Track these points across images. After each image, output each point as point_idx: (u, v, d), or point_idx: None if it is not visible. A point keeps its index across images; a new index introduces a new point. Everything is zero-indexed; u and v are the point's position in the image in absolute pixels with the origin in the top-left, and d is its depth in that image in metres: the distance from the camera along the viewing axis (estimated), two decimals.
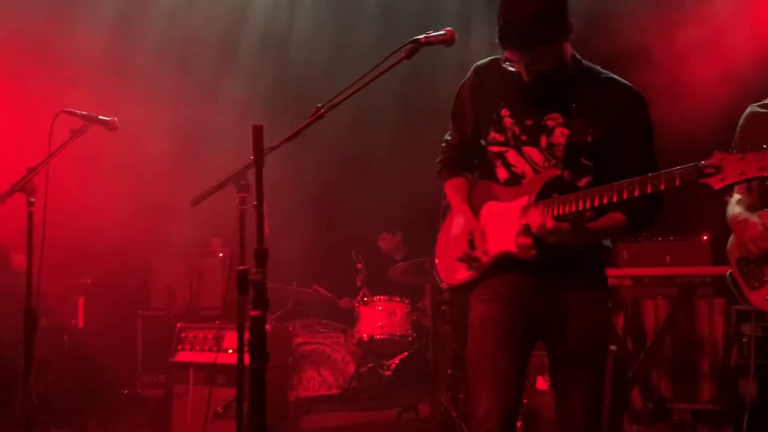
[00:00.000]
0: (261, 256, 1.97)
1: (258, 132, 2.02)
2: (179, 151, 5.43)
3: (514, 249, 2.36)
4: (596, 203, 2.16)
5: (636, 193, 2.08)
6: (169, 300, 5.73)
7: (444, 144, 2.71)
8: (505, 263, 2.40)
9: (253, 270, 1.97)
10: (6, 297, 4.71)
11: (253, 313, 1.93)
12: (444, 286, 2.66)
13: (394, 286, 5.10)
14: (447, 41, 2.41)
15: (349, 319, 5.27)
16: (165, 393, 5.25)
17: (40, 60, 4.87)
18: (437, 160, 2.73)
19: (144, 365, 5.53)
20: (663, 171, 2.06)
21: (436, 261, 2.68)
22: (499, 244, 2.41)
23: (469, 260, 2.45)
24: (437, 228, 4.81)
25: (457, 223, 2.51)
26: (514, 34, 2.26)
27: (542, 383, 4.11)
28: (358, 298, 4.86)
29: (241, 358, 2.41)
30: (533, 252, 2.32)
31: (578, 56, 2.44)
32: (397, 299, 4.82)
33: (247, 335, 2.01)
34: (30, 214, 2.86)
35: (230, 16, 5.95)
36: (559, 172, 2.35)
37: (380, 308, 4.74)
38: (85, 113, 3.08)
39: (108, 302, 5.32)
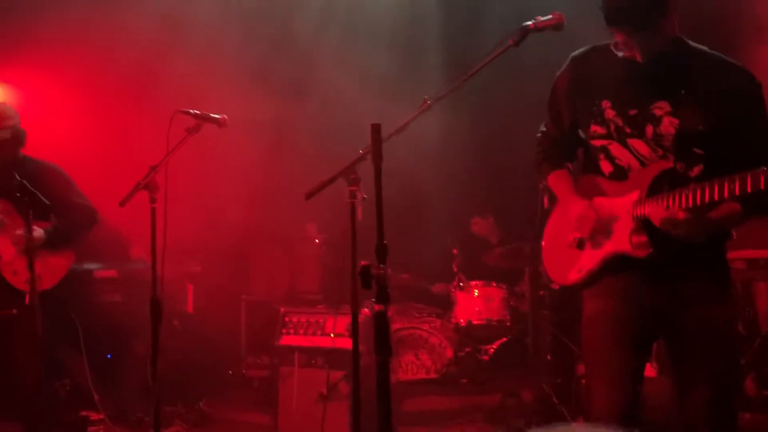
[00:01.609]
0: (381, 251, 2.02)
1: (376, 130, 2.06)
2: (274, 145, 5.60)
3: (628, 248, 2.29)
4: (725, 194, 2.05)
5: (762, 185, 1.97)
6: (270, 284, 5.96)
7: (540, 135, 2.66)
8: (618, 262, 2.34)
9: (376, 265, 2.02)
10: (123, 286, 5.06)
11: (376, 307, 1.99)
12: (556, 287, 2.64)
13: (489, 270, 5.08)
14: (556, 25, 2.36)
15: (442, 304, 5.30)
16: (268, 373, 5.48)
17: (156, 63, 5.15)
18: (535, 151, 2.68)
19: (248, 347, 5.78)
20: None
21: (545, 262, 2.64)
22: (612, 243, 2.35)
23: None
24: (531, 209, 4.70)
25: (575, 210, 2.44)
26: (627, 12, 2.19)
27: (650, 370, 4.01)
28: (454, 283, 4.87)
29: (355, 345, 2.49)
30: (649, 250, 2.26)
31: (683, 37, 2.33)
32: (494, 284, 4.80)
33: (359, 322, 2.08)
34: (153, 210, 3.02)
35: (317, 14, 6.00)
36: (671, 164, 2.27)
37: (477, 293, 4.74)
38: (198, 112, 3.22)
39: (214, 288, 5.59)
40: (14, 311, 3.20)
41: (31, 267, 3.16)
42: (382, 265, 1.99)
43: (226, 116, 3.32)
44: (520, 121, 5.17)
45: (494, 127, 5.59)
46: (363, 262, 2.02)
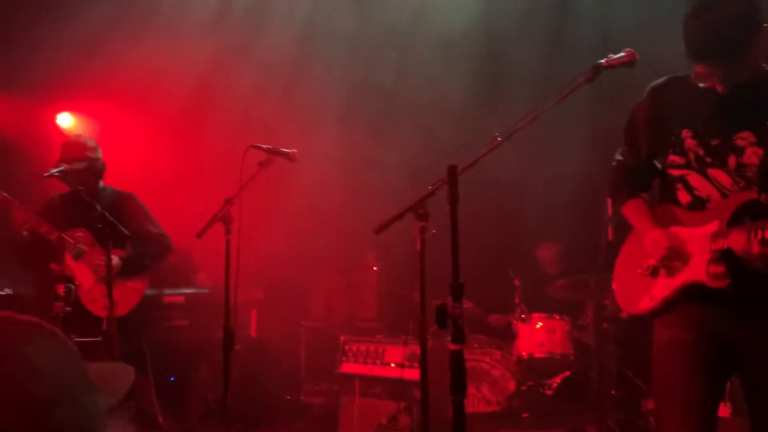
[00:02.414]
0: (457, 290, 2.04)
1: (452, 172, 2.09)
2: (332, 178, 5.75)
3: (704, 278, 2.26)
4: None
5: None
6: (328, 311, 6.03)
7: (615, 164, 2.64)
8: (692, 292, 2.31)
9: (451, 304, 2.03)
10: (190, 311, 5.20)
11: (452, 347, 2.00)
12: (624, 315, 2.61)
13: (551, 302, 5.01)
14: (628, 63, 2.37)
15: (499, 335, 5.24)
16: (326, 401, 5.52)
17: (225, 100, 5.37)
18: (609, 180, 2.67)
19: (306, 373, 5.84)
20: None
21: (615, 288, 2.61)
22: (687, 272, 2.32)
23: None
24: (596, 242, 4.63)
25: (650, 238, 2.42)
26: (711, 46, 2.18)
27: (724, 409, 3.87)
28: (516, 314, 4.82)
29: (424, 376, 2.49)
30: (727, 281, 2.22)
31: (766, 67, 2.31)
32: (557, 317, 4.72)
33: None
34: (227, 242, 3.12)
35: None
36: (754, 195, 2.24)
37: (539, 326, 4.68)
38: (270, 147, 3.33)
39: (276, 314, 5.69)
40: (99, 338, 3.34)
41: (109, 295, 3.29)
42: (458, 304, 2.01)
43: (295, 150, 3.42)
44: (589, 151, 5.17)
45: (560, 159, 5.55)
46: (439, 302, 2.03)
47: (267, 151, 3.31)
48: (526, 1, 5.56)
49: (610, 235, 4.63)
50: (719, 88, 2.26)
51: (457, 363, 1.94)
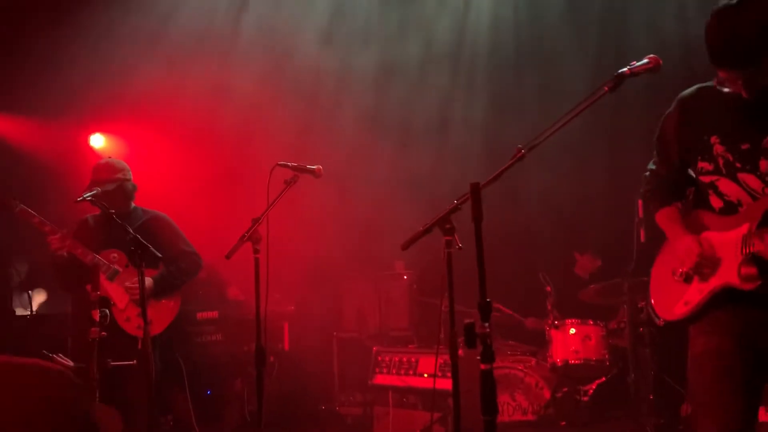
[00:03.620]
0: (485, 309, 2.03)
1: (476, 189, 2.08)
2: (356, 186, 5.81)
3: (736, 281, 2.25)
4: None
5: None
6: (360, 321, 6.04)
7: (648, 173, 2.65)
8: (726, 296, 2.30)
9: (479, 323, 2.02)
10: (223, 325, 5.26)
11: (482, 366, 1.99)
12: (660, 323, 2.58)
13: (584, 307, 4.95)
14: (653, 69, 2.34)
15: (535, 340, 5.19)
16: (361, 411, 5.53)
17: (251, 119, 5.44)
18: (642, 189, 2.68)
19: (340, 383, 5.85)
20: None
21: (652, 298, 2.59)
22: (719, 276, 2.31)
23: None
24: (629, 245, 4.56)
25: (682, 244, 2.41)
26: (731, 51, 2.16)
27: (764, 414, 3.78)
28: (549, 321, 4.76)
29: (456, 389, 2.47)
30: (758, 282, 2.20)
31: None
32: (591, 322, 4.65)
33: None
34: (256, 261, 3.15)
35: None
36: None
37: (573, 332, 4.61)
38: (296, 164, 3.36)
39: (307, 325, 5.73)
40: (134, 361, 3.40)
41: (144, 315, 3.34)
42: (486, 324, 2.00)
43: (321, 167, 3.44)
44: (622, 156, 5.10)
45: (591, 162, 5.50)
46: (467, 320, 2.02)
47: (293, 168, 3.34)
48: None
49: (642, 237, 4.56)
50: (744, 93, 2.24)
51: (487, 383, 1.93)
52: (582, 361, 4.54)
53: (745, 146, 2.29)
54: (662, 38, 5.23)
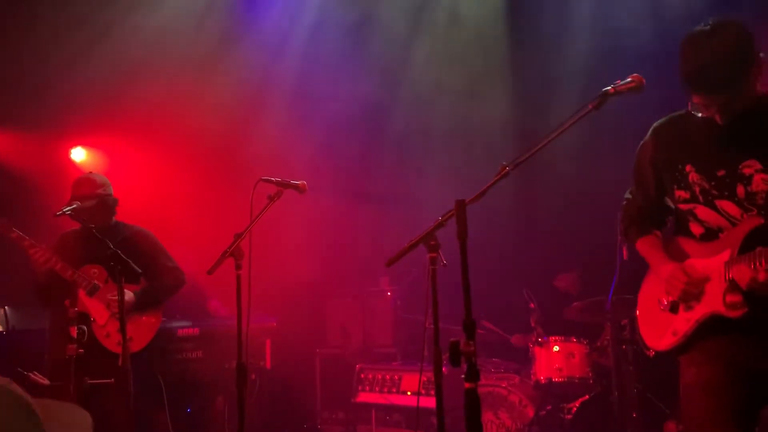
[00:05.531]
0: (470, 327, 2.01)
1: (461, 207, 2.07)
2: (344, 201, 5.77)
3: (721, 308, 2.24)
4: None
5: None
6: (343, 338, 5.98)
7: (625, 202, 2.66)
8: (713, 324, 2.28)
9: (464, 341, 2.00)
10: (204, 342, 5.18)
11: (466, 385, 1.97)
12: (651, 353, 2.57)
13: (568, 325, 4.94)
14: (635, 88, 2.35)
15: (520, 357, 5.17)
16: (343, 429, 5.46)
17: (234, 134, 5.42)
18: (620, 218, 2.68)
19: (322, 401, 5.78)
20: None
21: (640, 328, 2.58)
22: (705, 304, 2.30)
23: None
24: (612, 263, 4.57)
25: (665, 273, 2.41)
26: (708, 77, 2.17)
27: None
28: (533, 338, 4.75)
29: (440, 407, 2.45)
30: (744, 310, 2.19)
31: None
32: (574, 339, 4.65)
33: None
34: (238, 278, 3.11)
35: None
36: (762, 221, 2.22)
37: (557, 349, 4.61)
38: (280, 179, 3.33)
39: (289, 342, 5.66)
40: (112, 380, 3.33)
41: (123, 331, 3.29)
42: (471, 342, 1.98)
43: (305, 182, 3.41)
44: (601, 173, 5.14)
45: (571, 178, 5.53)
46: (452, 339, 2.01)
47: (276, 183, 3.31)
48: None
49: (625, 255, 4.57)
50: (718, 119, 2.24)
51: (472, 402, 1.90)
52: (566, 379, 4.53)
53: (720, 173, 2.29)
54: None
